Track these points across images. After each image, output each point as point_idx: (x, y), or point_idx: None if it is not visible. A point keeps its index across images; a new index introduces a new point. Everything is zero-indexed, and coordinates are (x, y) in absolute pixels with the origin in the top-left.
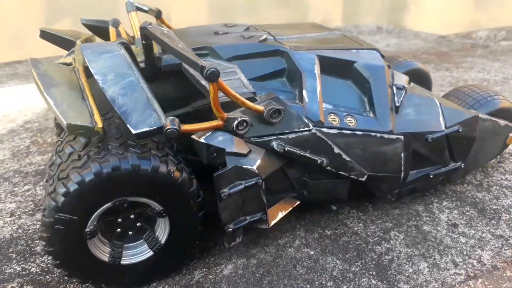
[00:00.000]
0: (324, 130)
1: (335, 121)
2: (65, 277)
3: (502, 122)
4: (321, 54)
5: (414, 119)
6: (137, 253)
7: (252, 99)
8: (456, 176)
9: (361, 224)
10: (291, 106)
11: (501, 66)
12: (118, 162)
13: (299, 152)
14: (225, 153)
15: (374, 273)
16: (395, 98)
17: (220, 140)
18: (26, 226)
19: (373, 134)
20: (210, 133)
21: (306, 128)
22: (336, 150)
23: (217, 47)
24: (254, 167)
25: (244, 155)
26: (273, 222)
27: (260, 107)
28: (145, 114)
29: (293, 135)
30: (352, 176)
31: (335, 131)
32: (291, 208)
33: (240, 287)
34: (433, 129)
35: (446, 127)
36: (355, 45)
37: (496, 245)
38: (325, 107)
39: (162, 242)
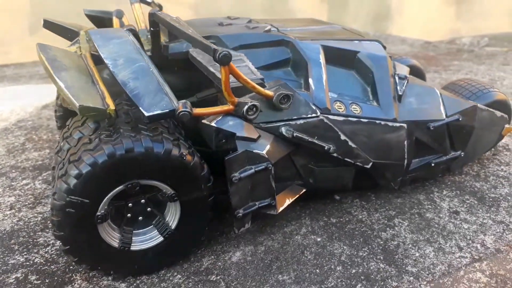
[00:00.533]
0: (331, 117)
1: (341, 108)
2: (71, 266)
3: (498, 113)
4: (325, 44)
5: (417, 108)
6: (147, 239)
7: (261, 85)
8: (456, 165)
9: (365, 213)
10: (299, 93)
11: (487, 69)
12: (132, 144)
13: (307, 138)
14: (236, 138)
15: (381, 257)
16: (398, 87)
17: (231, 124)
18: (27, 219)
19: (377, 121)
20: (220, 117)
21: (314, 115)
22: (343, 137)
23: (223, 36)
24: (264, 152)
25: (254, 140)
26: (281, 209)
27: (270, 92)
28: (157, 97)
29: (301, 121)
30: (357, 163)
31: (341, 118)
32: (297, 196)
33: (250, 272)
34: (435, 118)
35: (447, 116)
36: (357, 37)
37: (498, 230)
38: (330, 95)
39: (173, 227)
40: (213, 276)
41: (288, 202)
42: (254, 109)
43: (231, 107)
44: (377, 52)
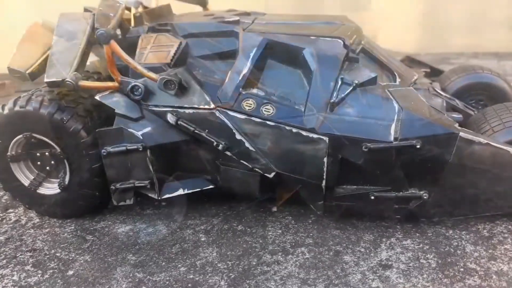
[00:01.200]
0: (230, 113)
1: (250, 106)
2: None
3: None
4: (272, 39)
5: (353, 121)
6: (50, 187)
7: (160, 69)
8: (420, 210)
9: (279, 231)
10: (206, 83)
11: None
12: (25, 102)
13: (192, 128)
14: (116, 114)
15: (232, 276)
16: (334, 94)
17: (114, 100)
18: None
19: (287, 128)
20: (108, 92)
21: (206, 106)
22: (238, 136)
23: (176, 24)
24: (139, 133)
25: (133, 120)
26: (166, 195)
27: (154, 76)
28: (60, 69)
29: (191, 111)
30: (256, 169)
31: (242, 117)
32: (197, 189)
33: (116, 244)
34: (375, 138)
35: (396, 139)
36: (326, 33)
37: None
38: (252, 92)
39: (66, 182)
40: (89, 236)
41: (181, 191)
42: (139, 89)
43: (116, 84)
44: (327, 52)
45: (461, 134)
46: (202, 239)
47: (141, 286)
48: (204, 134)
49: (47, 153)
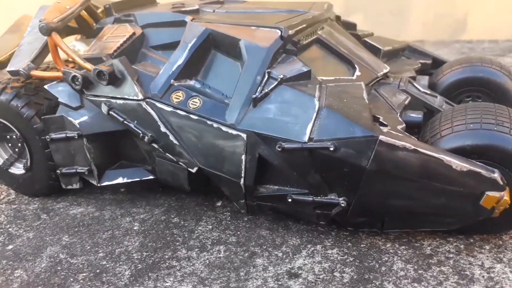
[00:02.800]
0: (158, 104)
1: (178, 99)
2: None
3: (460, 164)
4: (214, 29)
5: (272, 118)
6: (19, 168)
7: (100, 60)
8: (343, 219)
9: (210, 226)
10: (144, 74)
11: None
12: None
13: (122, 119)
14: (59, 102)
15: (139, 267)
16: (259, 88)
17: (59, 89)
18: None
19: (209, 122)
20: (55, 82)
21: (134, 98)
22: (163, 129)
23: (137, 14)
24: (77, 121)
25: (73, 108)
26: (105, 183)
27: (88, 66)
28: (21, 59)
29: (122, 102)
30: (180, 163)
31: (169, 109)
32: (137, 179)
33: (61, 224)
34: (290, 137)
35: (310, 139)
36: (270, 22)
37: None
38: (186, 83)
39: (28, 164)
40: (44, 215)
41: (120, 180)
42: (79, 79)
43: (60, 74)
44: (258, 43)
45: (381, 138)
46: (135, 228)
47: (57, 267)
48: (132, 125)
49: (14, 136)
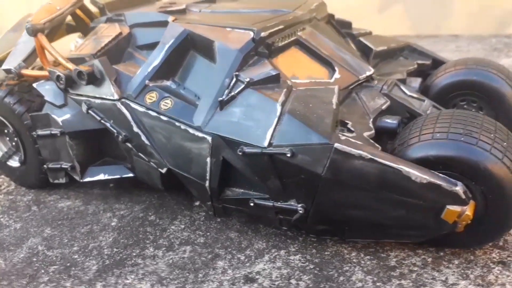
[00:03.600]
0: (131, 105)
1: (152, 99)
2: None
3: (426, 178)
4: (192, 30)
5: (236, 122)
6: (16, 161)
7: (83, 60)
8: (303, 225)
9: (182, 226)
10: (123, 74)
11: None
12: None
13: (99, 118)
14: (45, 100)
15: (106, 262)
16: (226, 91)
17: (46, 88)
18: None
19: (177, 124)
20: (43, 81)
21: (110, 97)
22: (136, 129)
23: (127, 14)
24: (60, 119)
25: (57, 106)
26: (88, 179)
27: (70, 66)
28: (15, 58)
29: (100, 101)
30: (151, 163)
31: (142, 109)
32: (117, 176)
33: (47, 216)
34: (251, 142)
35: (270, 144)
36: (246, 24)
37: None
38: (161, 84)
39: (22, 158)
40: (35, 207)
41: (102, 176)
42: (62, 79)
43: (46, 73)
44: (229, 45)
45: (336, 145)
46: (112, 224)
47: (33, 258)
48: (108, 124)
49: (10, 131)
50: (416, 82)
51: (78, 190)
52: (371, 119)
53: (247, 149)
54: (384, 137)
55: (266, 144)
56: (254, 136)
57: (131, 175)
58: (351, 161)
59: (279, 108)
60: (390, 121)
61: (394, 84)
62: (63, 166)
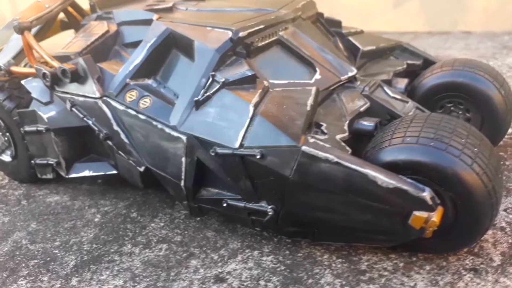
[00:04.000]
0: (112, 103)
1: (131, 98)
2: None
3: (392, 183)
4: (174, 29)
5: (210, 122)
6: (7, 155)
7: (68, 58)
8: (274, 227)
9: (162, 224)
10: (107, 73)
11: None
12: None
13: (82, 116)
14: (32, 97)
15: (84, 258)
16: (202, 91)
17: (33, 85)
18: None
19: (154, 123)
20: (31, 78)
21: (92, 96)
22: (115, 127)
23: (115, 12)
24: (45, 116)
25: (43, 103)
26: (73, 175)
27: (56, 64)
28: (5, 55)
29: (83, 99)
30: (130, 161)
31: (122, 108)
32: (101, 173)
33: (36, 211)
34: (223, 142)
35: (241, 146)
36: (226, 23)
37: None
38: (142, 83)
39: (14, 153)
40: (24, 201)
41: (87, 173)
42: (48, 76)
43: (33, 71)
44: (208, 44)
45: (303, 148)
46: (96, 220)
47: (16, 252)
48: (91, 122)
49: (2, 126)
50: (402, 83)
51: (67, 185)
52: (347, 121)
53: (219, 150)
54: (364, 140)
55: (237, 145)
56: (226, 136)
57: (114, 172)
58: (318, 164)
59: (251, 109)
60: (367, 123)
61: (377, 85)
62: (49, 162)
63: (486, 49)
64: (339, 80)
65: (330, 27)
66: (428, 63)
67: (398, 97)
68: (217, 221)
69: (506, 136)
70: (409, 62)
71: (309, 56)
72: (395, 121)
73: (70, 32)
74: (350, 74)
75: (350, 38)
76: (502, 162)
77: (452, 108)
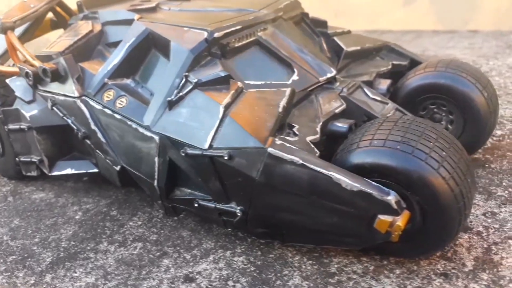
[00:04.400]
0: (90, 102)
1: (109, 97)
2: None
3: (357, 186)
4: (152, 29)
5: (182, 123)
6: None
7: (50, 58)
8: (243, 227)
9: (140, 222)
10: (87, 72)
11: None
12: None
13: (62, 114)
14: (15, 96)
15: (61, 255)
16: (175, 91)
17: (17, 84)
18: None
19: (129, 122)
20: (15, 77)
21: (71, 95)
22: (93, 127)
23: (101, 12)
24: (28, 114)
25: (26, 102)
26: (55, 173)
27: (37, 64)
28: None
29: (63, 98)
30: (107, 160)
31: (99, 107)
32: (83, 171)
33: (19, 207)
34: (194, 143)
35: (210, 146)
36: (203, 23)
37: None
38: (120, 82)
39: (1, 150)
40: (10, 198)
41: (69, 171)
42: (31, 76)
43: (17, 70)
44: (182, 45)
45: (270, 150)
46: (76, 217)
47: None
48: (70, 121)
49: None
50: (385, 84)
51: (53, 183)
52: (321, 123)
53: (189, 150)
54: (340, 141)
55: (206, 146)
56: (196, 137)
57: (96, 170)
58: (284, 166)
59: (221, 110)
60: (341, 125)
61: (357, 86)
62: (33, 159)
63: (489, 48)
64: (318, 81)
65: (315, 27)
66: (415, 63)
67: (378, 98)
68: (193, 221)
69: (494, 138)
70: (395, 62)
71: (288, 57)
72: (367, 123)
73: (61, 31)
74: (329, 75)
75: (335, 38)
76: (486, 165)
77: (435, 109)
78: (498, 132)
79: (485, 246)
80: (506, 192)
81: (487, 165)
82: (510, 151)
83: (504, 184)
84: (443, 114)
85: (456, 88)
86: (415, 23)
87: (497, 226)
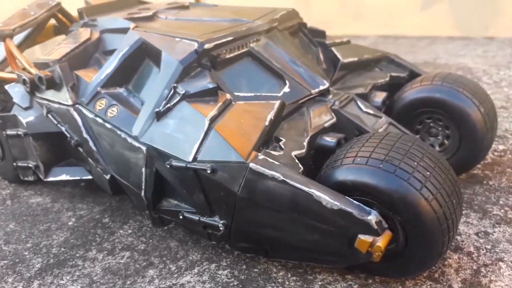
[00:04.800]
0: (83, 110)
1: (101, 106)
2: None
3: (337, 204)
4: (145, 38)
5: (168, 134)
6: None
7: (47, 65)
8: (227, 241)
9: (130, 231)
10: (82, 80)
11: None
12: None
13: (56, 122)
14: (14, 102)
15: (50, 261)
16: (164, 102)
17: (15, 90)
18: None
19: (119, 132)
20: (14, 83)
21: (65, 103)
22: (85, 135)
23: (99, 20)
24: (24, 120)
25: (23, 108)
26: (51, 178)
27: (33, 71)
28: None
29: (57, 106)
30: (98, 168)
31: (91, 116)
32: (78, 178)
33: (16, 211)
34: (178, 155)
35: (194, 159)
36: (194, 34)
37: None
38: (113, 91)
39: (1, 155)
40: (9, 201)
41: (64, 177)
42: (28, 83)
43: (15, 76)
44: (172, 55)
45: (251, 165)
46: (69, 223)
47: None
48: (64, 129)
49: None
50: (380, 96)
51: (51, 187)
52: (308, 137)
53: (174, 162)
54: (329, 156)
55: (191, 158)
56: (182, 149)
57: (90, 177)
58: (265, 182)
59: (207, 123)
60: (329, 139)
61: (350, 99)
62: (29, 165)
63: (503, 57)
64: (310, 93)
65: (313, 38)
66: (414, 75)
67: (371, 112)
68: (182, 231)
69: (495, 153)
70: (393, 74)
71: (280, 69)
72: (354, 139)
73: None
74: (321, 87)
75: (333, 49)
76: (485, 181)
77: (431, 124)
78: (500, 147)
79: (475, 267)
80: (502, 211)
81: (485, 182)
82: (510, 168)
83: (501, 202)
84: (439, 128)
85: (451, 103)
86: (431, 28)
87: (489, 247)
